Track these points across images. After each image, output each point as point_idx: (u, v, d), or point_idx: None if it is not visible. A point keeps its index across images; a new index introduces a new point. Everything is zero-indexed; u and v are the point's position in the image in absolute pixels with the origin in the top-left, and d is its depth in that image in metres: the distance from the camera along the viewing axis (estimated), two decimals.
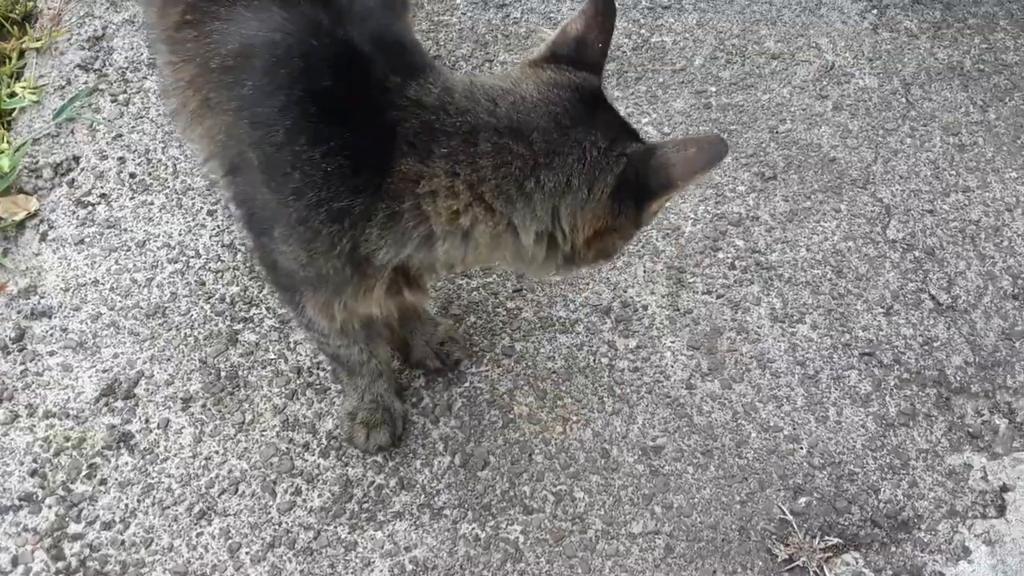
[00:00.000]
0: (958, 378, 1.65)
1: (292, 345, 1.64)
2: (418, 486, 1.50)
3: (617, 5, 1.15)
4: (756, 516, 1.50)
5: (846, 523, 1.50)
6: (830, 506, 1.51)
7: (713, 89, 2.05)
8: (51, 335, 1.64)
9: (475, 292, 1.73)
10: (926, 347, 1.68)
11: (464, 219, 1.11)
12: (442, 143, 1.08)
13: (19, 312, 1.66)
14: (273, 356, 1.63)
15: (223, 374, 1.60)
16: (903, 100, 2.04)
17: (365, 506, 1.48)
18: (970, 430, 1.59)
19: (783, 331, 1.70)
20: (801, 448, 1.57)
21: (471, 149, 1.08)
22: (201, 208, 1.80)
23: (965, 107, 2.02)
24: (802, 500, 1.52)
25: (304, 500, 1.48)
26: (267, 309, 1.68)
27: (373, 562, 1.43)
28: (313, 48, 1.10)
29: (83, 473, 1.50)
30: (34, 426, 1.55)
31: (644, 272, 1.77)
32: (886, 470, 1.55)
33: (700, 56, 2.11)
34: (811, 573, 1.44)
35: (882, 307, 1.73)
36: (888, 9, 2.20)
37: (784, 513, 1.50)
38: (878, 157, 1.95)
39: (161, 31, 1.31)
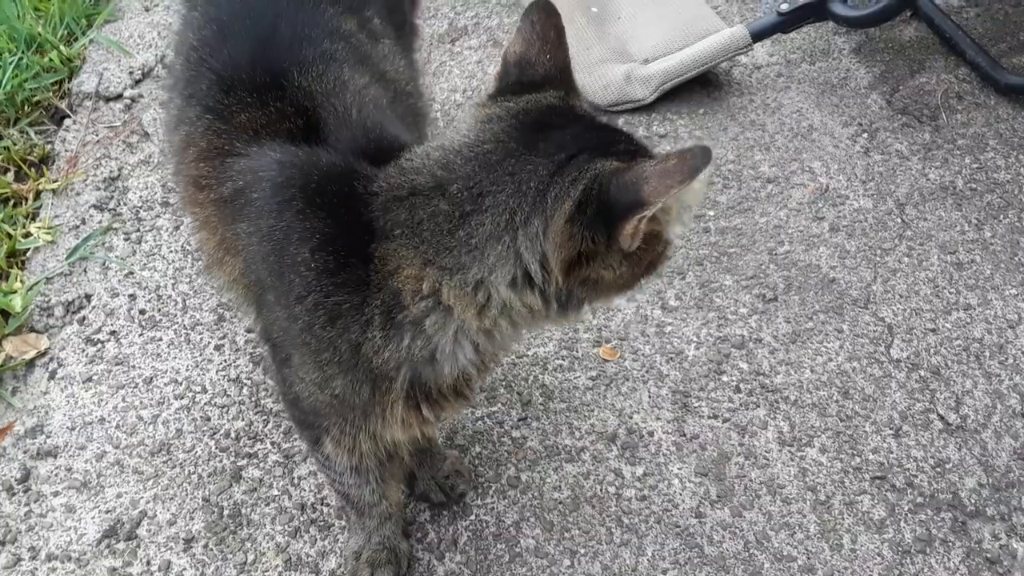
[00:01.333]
0: (973, 501, 1.62)
1: (296, 480, 1.63)
2: None
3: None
4: None
5: None
6: None
7: (711, 213, 2.09)
8: (56, 475, 1.64)
9: (480, 421, 1.73)
10: (938, 469, 1.66)
11: (425, 285, 1.05)
12: (397, 218, 1.06)
13: (25, 452, 1.67)
14: (277, 492, 1.61)
15: (226, 512, 1.59)
16: (898, 220, 2.08)
17: None
18: (988, 555, 1.55)
19: (792, 455, 1.68)
20: None
21: (412, 216, 1.05)
22: (209, 343, 1.83)
23: (960, 226, 2.06)
24: None
25: None
26: (271, 444, 1.68)
27: None
28: (310, 159, 1.15)
29: None
30: (36, 570, 1.52)
31: (649, 397, 1.76)
32: None
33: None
34: None
35: (891, 428, 1.71)
36: (878, 133, 2.27)
37: None
38: (877, 276, 1.97)
39: (181, 178, 1.37)
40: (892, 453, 1.68)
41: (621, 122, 2.28)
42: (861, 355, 1.83)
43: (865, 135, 2.27)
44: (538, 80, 1.10)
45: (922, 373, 1.80)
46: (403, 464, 1.47)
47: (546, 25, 1.11)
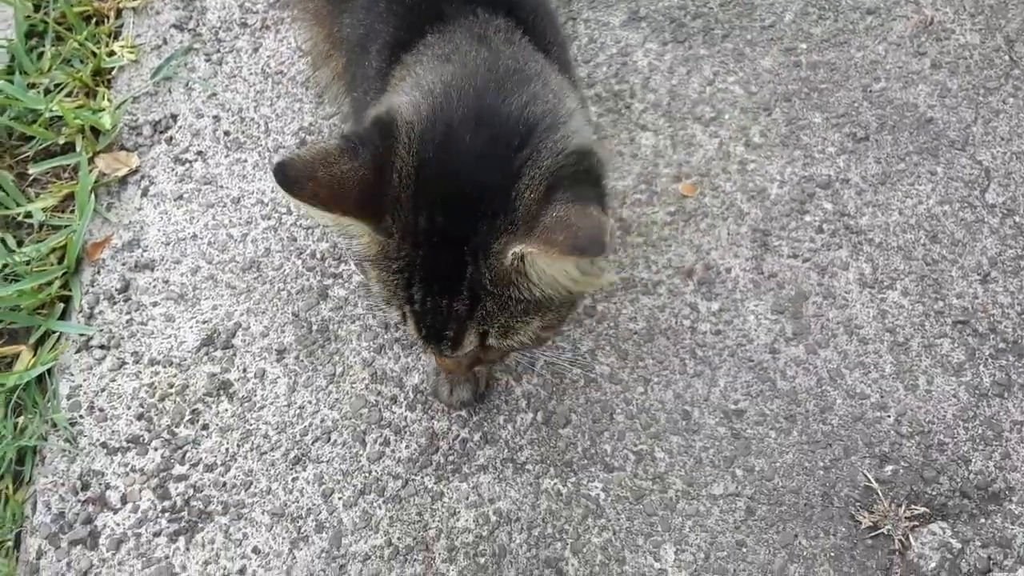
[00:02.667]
0: None
1: None
2: (501, 441, 1.54)
3: None
4: (840, 483, 1.49)
5: (934, 493, 1.48)
6: (917, 475, 1.50)
7: (803, 46, 1.99)
8: (154, 286, 1.72)
9: None
10: None
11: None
12: (431, 51, 1.10)
13: (123, 264, 1.74)
14: (362, 311, 1.67)
15: (315, 327, 1.66)
16: (1006, 58, 1.96)
17: (451, 458, 1.52)
18: None
19: (872, 297, 1.67)
20: (888, 416, 1.55)
21: (451, 46, 1.10)
22: None
23: None
24: (888, 468, 1.50)
25: (392, 450, 1.53)
26: (355, 266, 1.72)
27: (459, 512, 1.48)
28: None
29: (186, 418, 1.58)
30: (140, 372, 1.63)
31: (728, 234, 1.75)
32: (978, 441, 1.52)
33: (790, 12, 2.05)
34: (896, 541, 1.44)
35: (978, 274, 1.68)
36: None
37: (869, 481, 1.49)
38: (978, 117, 1.87)
39: None
40: (977, 299, 1.66)
41: None
42: (954, 199, 1.77)
43: None
44: None
45: (1017, 219, 1.74)
46: None
47: None
